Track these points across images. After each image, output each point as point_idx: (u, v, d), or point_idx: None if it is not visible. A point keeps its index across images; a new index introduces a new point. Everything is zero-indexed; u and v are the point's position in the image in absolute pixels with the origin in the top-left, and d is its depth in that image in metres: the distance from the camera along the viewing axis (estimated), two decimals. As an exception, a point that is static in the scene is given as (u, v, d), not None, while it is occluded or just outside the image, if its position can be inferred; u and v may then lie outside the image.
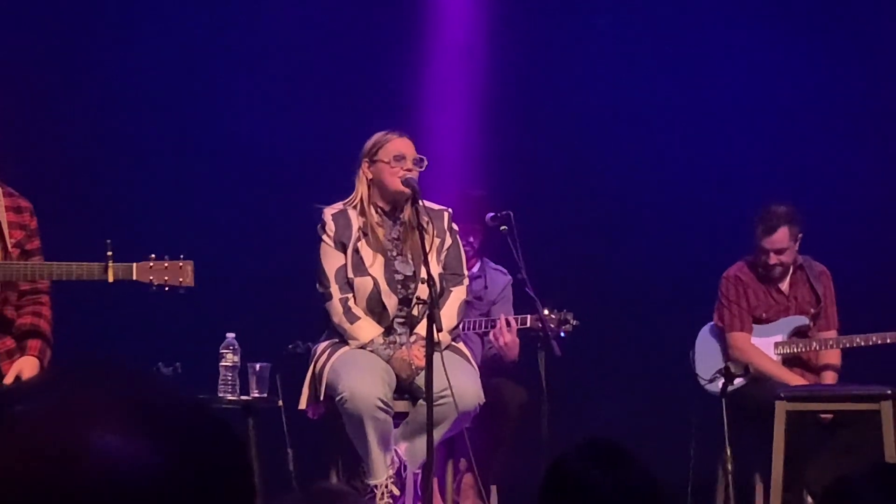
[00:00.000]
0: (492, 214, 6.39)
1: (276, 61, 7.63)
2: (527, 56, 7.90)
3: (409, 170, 5.60)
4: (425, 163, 5.66)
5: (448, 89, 7.75)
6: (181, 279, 5.11)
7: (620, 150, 7.84)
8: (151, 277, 5.05)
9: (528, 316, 6.25)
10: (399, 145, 5.67)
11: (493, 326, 6.27)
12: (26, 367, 4.98)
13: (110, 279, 4.95)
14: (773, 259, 6.56)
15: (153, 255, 5.08)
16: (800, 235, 6.57)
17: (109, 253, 4.92)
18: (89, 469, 1.05)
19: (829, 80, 7.77)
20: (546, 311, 6.12)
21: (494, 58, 7.79)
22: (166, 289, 5.09)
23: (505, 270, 6.61)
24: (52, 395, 1.09)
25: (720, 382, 6.06)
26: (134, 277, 5.02)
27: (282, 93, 7.60)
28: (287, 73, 7.63)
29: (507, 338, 6.11)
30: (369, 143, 5.70)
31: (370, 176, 5.67)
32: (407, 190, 5.56)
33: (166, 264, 5.09)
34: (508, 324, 6.18)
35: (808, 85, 7.77)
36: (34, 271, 4.98)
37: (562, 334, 6.16)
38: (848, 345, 6.53)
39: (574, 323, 6.20)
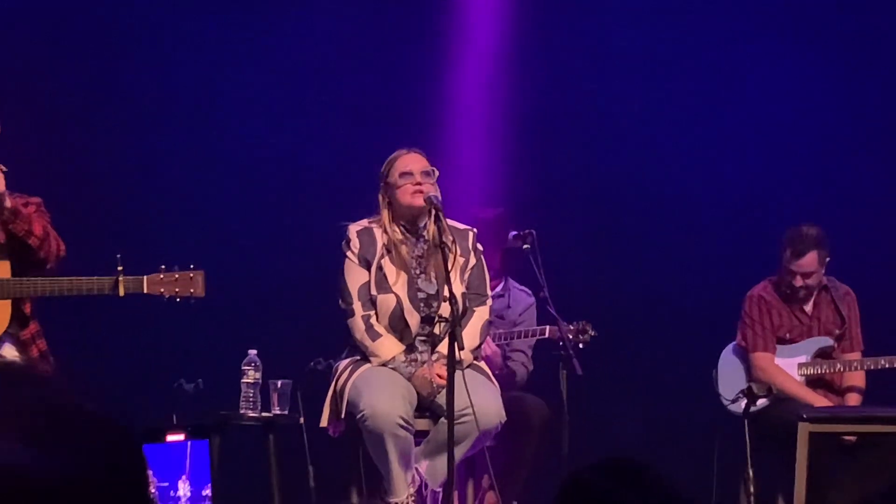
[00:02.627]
0: (514, 233, 6.37)
1: (297, 74, 7.63)
2: (548, 71, 7.89)
3: (419, 184, 5.59)
4: (436, 174, 5.65)
5: (468, 104, 7.76)
6: (192, 290, 5.03)
7: (643, 168, 7.81)
8: (162, 290, 4.96)
9: (548, 326, 6.25)
10: (406, 161, 5.66)
11: (509, 347, 6.27)
12: None
13: (121, 293, 4.87)
14: (799, 282, 6.52)
15: (163, 267, 5.00)
16: (827, 259, 6.53)
17: (120, 268, 4.85)
18: None
19: (858, 96, 7.75)
20: (564, 323, 6.14)
21: (516, 73, 7.78)
22: (178, 300, 5.00)
23: (529, 291, 6.58)
24: None
25: (743, 403, 6.03)
26: (145, 290, 4.93)
27: (304, 106, 7.61)
28: (308, 86, 7.64)
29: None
30: (384, 165, 5.71)
31: (387, 198, 5.68)
32: (421, 204, 5.55)
33: (177, 276, 5.00)
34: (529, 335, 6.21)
35: (834, 101, 7.73)
36: (44, 288, 4.90)
37: (580, 345, 6.15)
38: (872, 367, 6.49)
39: (592, 333, 6.18)
